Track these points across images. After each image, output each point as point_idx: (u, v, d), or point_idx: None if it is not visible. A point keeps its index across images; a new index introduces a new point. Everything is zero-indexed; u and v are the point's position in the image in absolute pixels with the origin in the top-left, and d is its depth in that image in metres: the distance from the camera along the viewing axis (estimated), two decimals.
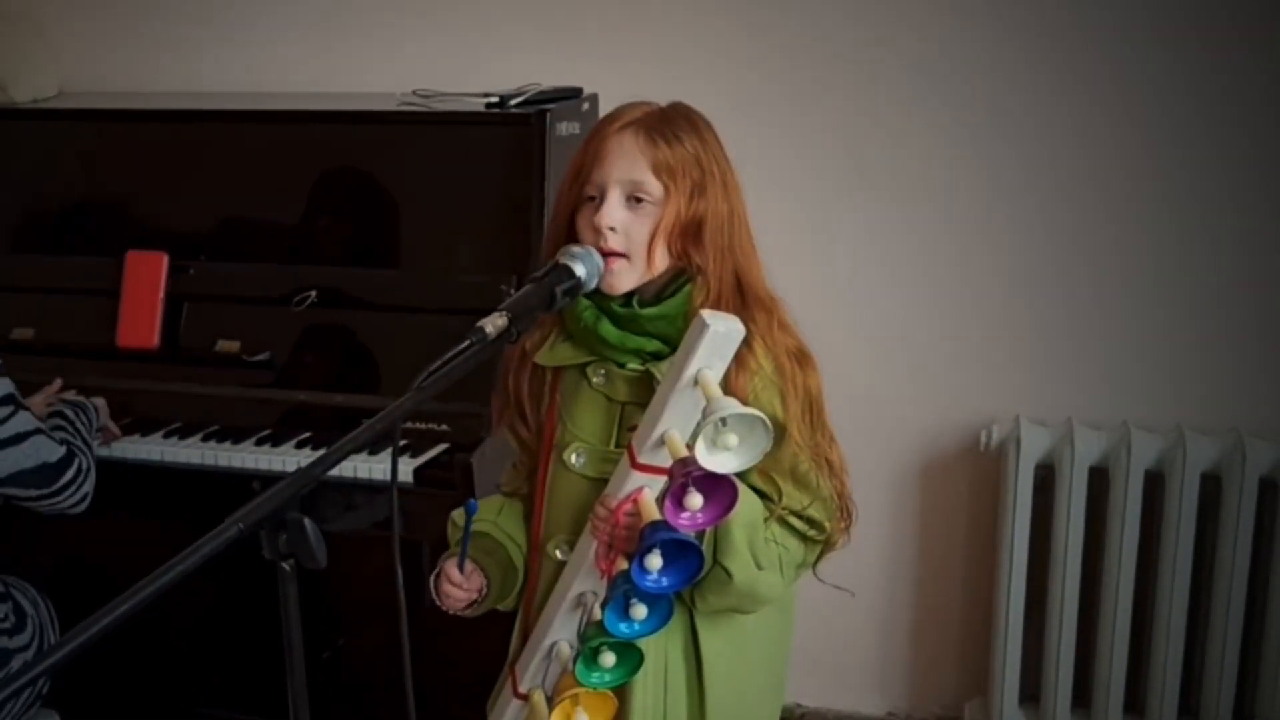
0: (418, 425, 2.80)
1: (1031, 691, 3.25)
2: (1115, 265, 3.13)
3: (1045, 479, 3.13)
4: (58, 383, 2.93)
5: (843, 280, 3.28)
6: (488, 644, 2.12)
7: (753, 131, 3.18)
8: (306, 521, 1.45)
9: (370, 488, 2.75)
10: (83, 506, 2.69)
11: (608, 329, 1.81)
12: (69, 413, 2.76)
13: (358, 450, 1.62)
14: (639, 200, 1.79)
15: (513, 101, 2.96)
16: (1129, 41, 3.04)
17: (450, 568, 1.89)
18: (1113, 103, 3.07)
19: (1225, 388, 3.13)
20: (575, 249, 1.79)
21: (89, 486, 2.68)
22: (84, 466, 2.66)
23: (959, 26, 3.13)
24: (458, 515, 2.03)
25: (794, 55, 3.21)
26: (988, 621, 3.26)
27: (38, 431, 2.59)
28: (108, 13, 3.60)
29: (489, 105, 2.97)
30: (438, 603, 1.94)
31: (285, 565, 1.47)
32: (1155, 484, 3.07)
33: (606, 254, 1.79)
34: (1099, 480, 3.10)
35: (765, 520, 1.78)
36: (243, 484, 2.83)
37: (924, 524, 3.37)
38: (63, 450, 2.63)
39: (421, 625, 1.94)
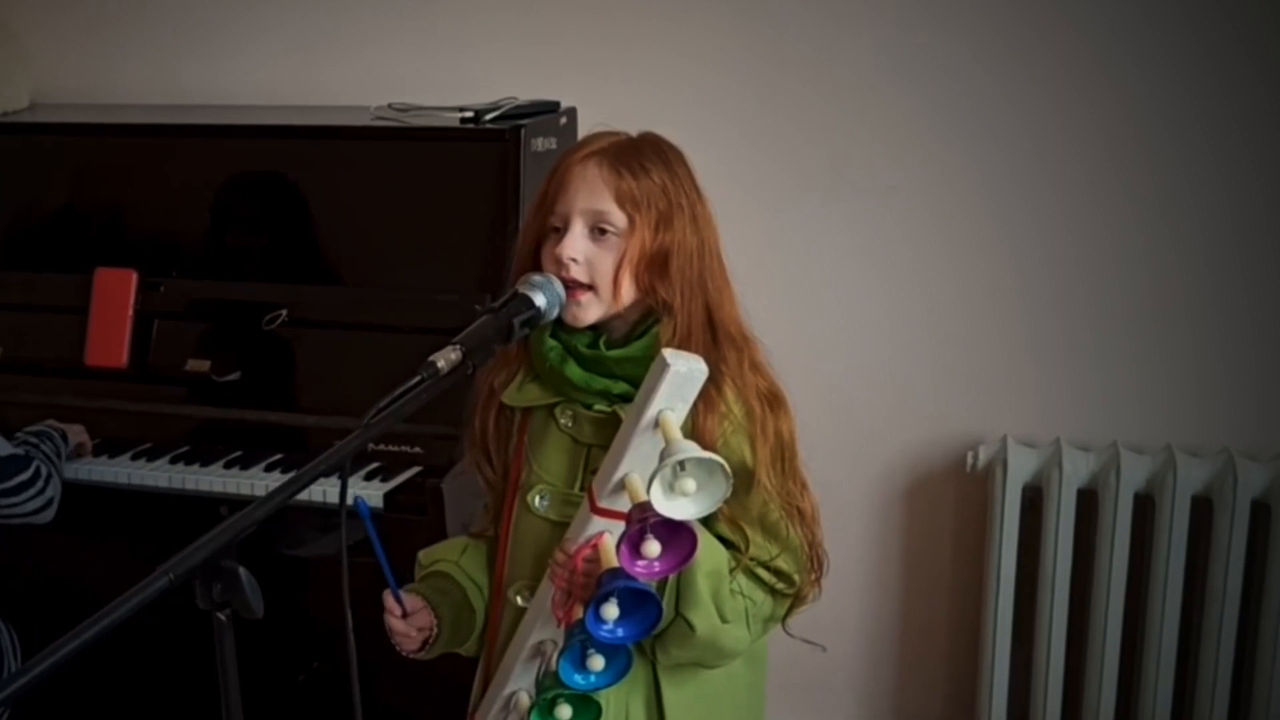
0: (389, 448, 2.75)
1: (1019, 716, 3.19)
2: (1104, 284, 3.08)
3: (1033, 501, 3.08)
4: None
5: (826, 297, 3.23)
6: (461, 670, 2.07)
7: (733, 143, 3.17)
8: (241, 570, 1.40)
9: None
10: (48, 515, 2.65)
11: (573, 370, 1.76)
12: (32, 439, 2.73)
13: (313, 482, 1.54)
14: (603, 231, 1.74)
15: (488, 116, 2.91)
16: (1125, 48, 2.99)
17: (387, 597, 1.83)
18: (1105, 118, 3.01)
19: (1216, 408, 3.07)
20: (535, 277, 1.74)
21: (52, 492, 2.64)
22: (44, 473, 2.63)
23: (946, 33, 3.07)
24: (423, 555, 1.99)
25: (775, 65, 3.15)
26: (975, 645, 3.21)
27: None
28: (80, 23, 3.54)
29: (464, 120, 2.92)
30: (392, 641, 1.88)
31: (221, 615, 1.42)
32: (1145, 506, 3.02)
33: (570, 285, 1.74)
34: (1088, 502, 3.04)
35: (731, 571, 1.71)
36: (211, 507, 2.78)
37: (909, 546, 3.31)
38: (17, 450, 2.60)
39: (392, 651, 1.90)
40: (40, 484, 2.61)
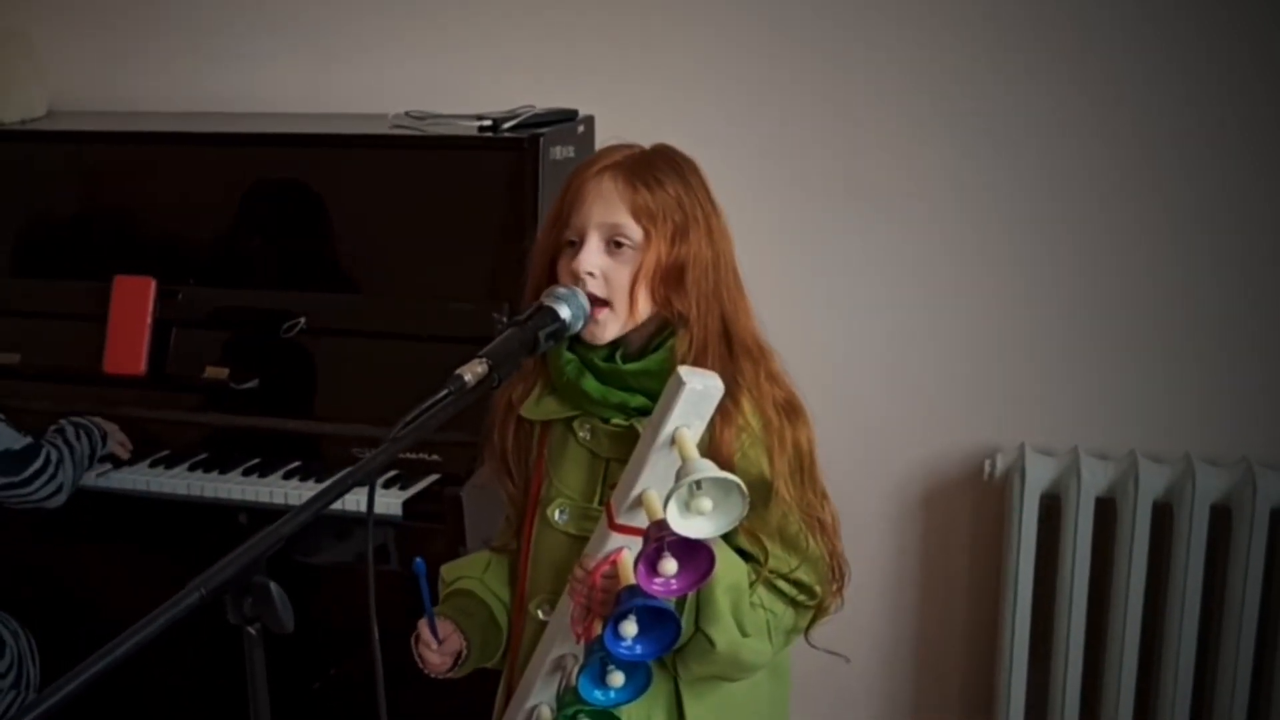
0: (408, 455, 2.75)
1: None
2: (1122, 292, 3.07)
3: (1051, 510, 3.06)
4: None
5: (842, 304, 3.22)
6: (483, 682, 2.07)
7: (748, 152, 3.16)
8: (272, 585, 1.40)
9: (360, 520, 2.69)
10: (58, 500, 2.69)
11: (590, 383, 1.76)
12: (69, 427, 2.76)
13: (340, 497, 1.54)
14: (619, 245, 1.74)
15: (506, 124, 2.90)
16: (1137, 56, 2.97)
17: (423, 629, 1.84)
18: (1120, 126, 3.00)
19: (1235, 416, 3.05)
20: (560, 290, 1.73)
21: (63, 478, 2.68)
22: (53, 459, 2.67)
23: (961, 41, 3.06)
24: (446, 571, 2.00)
25: (790, 75, 3.15)
26: (992, 654, 3.20)
27: None
28: (98, 32, 3.55)
29: (482, 128, 2.92)
30: (419, 665, 1.88)
31: (251, 630, 1.42)
32: (1163, 515, 3.00)
33: (589, 300, 1.74)
34: (1106, 511, 3.03)
35: (751, 584, 1.71)
36: (229, 515, 2.79)
37: (926, 555, 3.30)
38: (26, 440, 2.65)
39: (412, 662, 1.89)
40: (51, 469, 2.65)
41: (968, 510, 3.24)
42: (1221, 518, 2.98)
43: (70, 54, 3.56)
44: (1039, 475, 3.03)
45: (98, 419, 2.87)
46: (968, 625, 3.31)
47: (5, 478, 2.61)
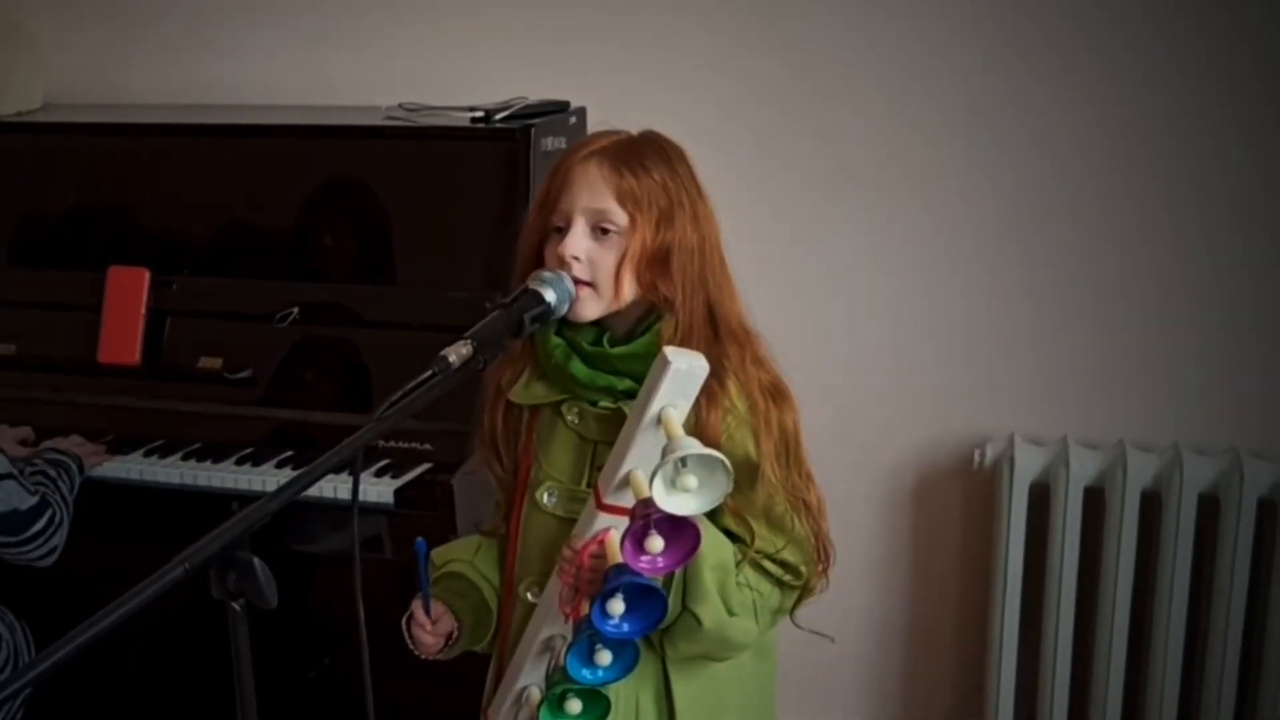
0: (399, 444, 2.76)
1: (1027, 713, 3.20)
2: (1112, 281, 3.08)
3: (1040, 498, 3.08)
4: (27, 431, 2.91)
5: (834, 295, 3.23)
6: (473, 665, 2.09)
7: (741, 142, 3.18)
8: (256, 560, 1.41)
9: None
10: (49, 560, 2.65)
11: (578, 367, 1.77)
12: (51, 471, 2.71)
13: (325, 475, 1.56)
14: (604, 230, 1.75)
15: (498, 115, 2.92)
16: (1129, 48, 2.99)
17: (417, 609, 1.86)
18: (1111, 115, 3.02)
19: (1223, 406, 3.07)
20: (545, 274, 1.75)
21: (58, 540, 2.63)
22: (56, 519, 2.62)
23: (953, 31, 3.08)
24: (436, 555, 2.01)
25: (783, 65, 3.16)
26: (982, 642, 3.21)
27: (10, 477, 2.54)
28: (94, 24, 3.55)
29: (474, 119, 2.93)
30: (410, 647, 1.90)
31: (235, 605, 1.44)
32: (1152, 504, 3.02)
33: (575, 282, 1.76)
34: (1095, 500, 3.05)
35: (738, 564, 1.73)
36: (223, 504, 2.79)
37: (917, 544, 3.32)
38: (35, 499, 2.58)
39: (405, 648, 1.91)
40: (50, 531, 2.60)
41: (958, 499, 3.26)
42: (1209, 507, 3.00)
43: (67, 46, 3.56)
44: (1028, 464, 3.05)
45: (65, 446, 2.82)
46: (957, 613, 3.32)
47: (6, 536, 2.55)
